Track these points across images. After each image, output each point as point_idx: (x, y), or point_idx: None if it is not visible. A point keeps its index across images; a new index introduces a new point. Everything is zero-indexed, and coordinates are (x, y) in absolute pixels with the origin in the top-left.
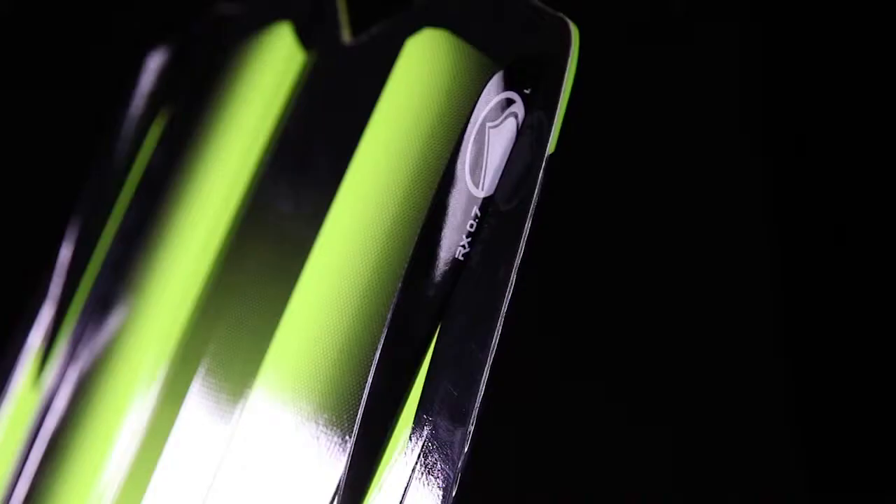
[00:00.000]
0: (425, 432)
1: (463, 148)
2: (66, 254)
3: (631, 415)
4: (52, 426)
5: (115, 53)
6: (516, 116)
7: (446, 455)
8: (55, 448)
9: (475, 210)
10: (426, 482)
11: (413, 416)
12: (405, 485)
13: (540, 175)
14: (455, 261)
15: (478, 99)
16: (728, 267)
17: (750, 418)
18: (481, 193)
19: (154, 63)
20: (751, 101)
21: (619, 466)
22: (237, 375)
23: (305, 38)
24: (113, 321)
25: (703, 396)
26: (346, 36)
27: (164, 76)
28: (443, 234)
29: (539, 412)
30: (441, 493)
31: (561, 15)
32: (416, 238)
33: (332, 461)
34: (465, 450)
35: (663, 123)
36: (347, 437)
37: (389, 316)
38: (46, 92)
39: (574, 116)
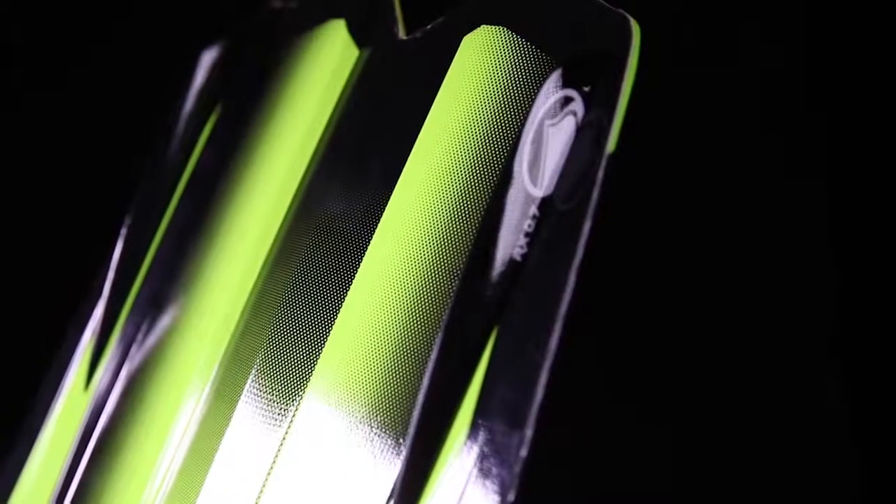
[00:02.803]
0: (482, 436)
1: (521, 146)
2: (119, 252)
3: (690, 417)
4: (104, 426)
5: (115, 53)
6: (575, 114)
7: (503, 459)
8: (107, 448)
9: (533, 210)
10: (483, 486)
11: (469, 420)
12: (461, 489)
13: (599, 174)
14: (513, 261)
15: (536, 96)
16: (784, 271)
17: (806, 425)
18: (539, 192)
19: (208, 59)
20: (800, 108)
21: (671, 468)
22: (291, 376)
23: (359, 35)
24: (165, 321)
25: (757, 401)
26: (401, 33)
27: (218, 73)
28: (500, 233)
29: (591, 423)
30: (498, 498)
31: (621, 11)
32: (473, 238)
33: (387, 464)
34: (523, 454)
35: (726, 126)
36: (402, 440)
37: (446, 317)
38: (47, 92)
39: (635, 115)
